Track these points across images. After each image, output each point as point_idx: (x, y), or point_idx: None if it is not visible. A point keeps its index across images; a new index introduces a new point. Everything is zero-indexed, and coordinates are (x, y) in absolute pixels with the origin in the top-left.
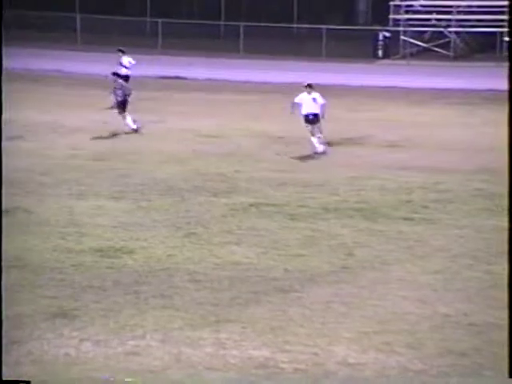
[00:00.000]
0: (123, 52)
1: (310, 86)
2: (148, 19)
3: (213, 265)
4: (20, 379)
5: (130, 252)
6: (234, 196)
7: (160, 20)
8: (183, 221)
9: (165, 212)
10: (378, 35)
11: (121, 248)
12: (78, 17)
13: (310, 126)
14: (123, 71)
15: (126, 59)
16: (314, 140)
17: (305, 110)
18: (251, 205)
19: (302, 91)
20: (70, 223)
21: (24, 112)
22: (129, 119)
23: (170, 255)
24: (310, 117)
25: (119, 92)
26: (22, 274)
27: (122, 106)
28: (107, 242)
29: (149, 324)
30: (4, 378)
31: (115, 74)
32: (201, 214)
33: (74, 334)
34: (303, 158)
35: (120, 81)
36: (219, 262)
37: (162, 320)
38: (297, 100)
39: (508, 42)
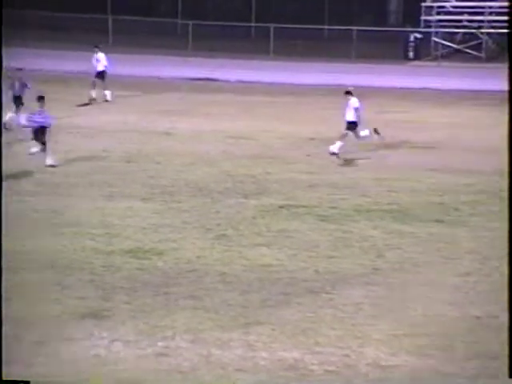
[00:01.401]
0: (99, 48)
1: (349, 92)
2: (179, 21)
3: (243, 266)
4: (20, 379)
5: (160, 253)
6: (264, 197)
7: (191, 22)
8: (213, 222)
9: (195, 213)
10: (409, 36)
11: (151, 249)
12: (110, 18)
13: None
14: (100, 67)
15: (102, 55)
16: (340, 144)
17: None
18: (281, 206)
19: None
20: (100, 224)
21: (55, 113)
22: (21, 116)
23: (199, 256)
24: (353, 124)
25: (16, 86)
26: (52, 275)
27: (18, 101)
28: (137, 243)
29: (179, 325)
30: (20, 378)
31: (100, 73)
32: (231, 216)
33: (104, 334)
34: (334, 160)
35: (19, 76)
36: (249, 264)
37: (191, 321)
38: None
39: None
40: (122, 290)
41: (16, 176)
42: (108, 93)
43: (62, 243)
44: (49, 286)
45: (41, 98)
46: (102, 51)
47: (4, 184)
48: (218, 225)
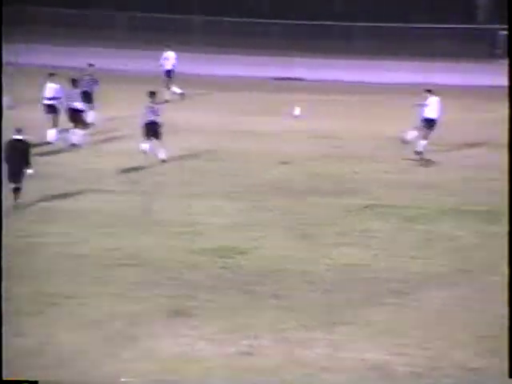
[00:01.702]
0: (169, 47)
1: (429, 91)
2: (262, 20)
3: (326, 266)
4: (26, 379)
5: (244, 252)
6: (348, 197)
7: (277, 21)
8: (297, 222)
9: (278, 212)
10: (497, 34)
11: (235, 248)
12: (200, 19)
13: (427, 131)
14: (168, 66)
15: (172, 54)
16: (424, 143)
17: (431, 114)
18: (366, 206)
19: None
20: (186, 223)
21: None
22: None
23: (283, 256)
24: (431, 121)
25: (85, 82)
26: (138, 273)
27: (87, 96)
28: (221, 242)
29: (262, 324)
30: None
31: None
32: (314, 215)
33: (190, 332)
34: (420, 159)
35: (89, 71)
36: (333, 263)
37: (275, 320)
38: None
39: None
40: (206, 288)
41: (106, 175)
42: (177, 89)
43: (149, 242)
44: (137, 284)
45: (152, 94)
46: (174, 50)
47: (95, 183)
48: (302, 224)
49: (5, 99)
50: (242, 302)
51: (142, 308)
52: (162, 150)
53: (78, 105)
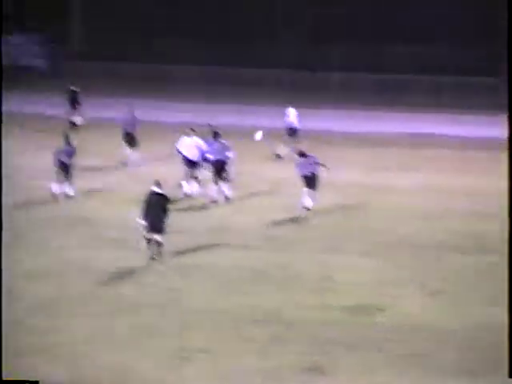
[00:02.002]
0: (291, 104)
1: None
2: (398, 76)
3: (464, 325)
4: (26, 379)
5: (381, 309)
6: (483, 255)
7: (406, 76)
8: (432, 278)
9: (415, 269)
10: None
11: (369, 305)
12: (335, 76)
13: None
14: (291, 124)
15: (292, 111)
16: None
17: None
18: (503, 264)
19: None
20: (322, 279)
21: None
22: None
23: (420, 314)
24: None
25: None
26: (274, 329)
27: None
28: (356, 299)
29: (401, 383)
30: None
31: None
32: (451, 272)
33: None
34: None
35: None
36: (471, 323)
37: (415, 379)
38: None
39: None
40: (341, 345)
41: (243, 230)
42: (281, 150)
43: (284, 297)
44: (273, 340)
45: (302, 154)
46: (296, 107)
47: (231, 238)
48: (438, 281)
49: (133, 154)
50: (379, 360)
51: (278, 364)
52: (310, 200)
53: (229, 154)
